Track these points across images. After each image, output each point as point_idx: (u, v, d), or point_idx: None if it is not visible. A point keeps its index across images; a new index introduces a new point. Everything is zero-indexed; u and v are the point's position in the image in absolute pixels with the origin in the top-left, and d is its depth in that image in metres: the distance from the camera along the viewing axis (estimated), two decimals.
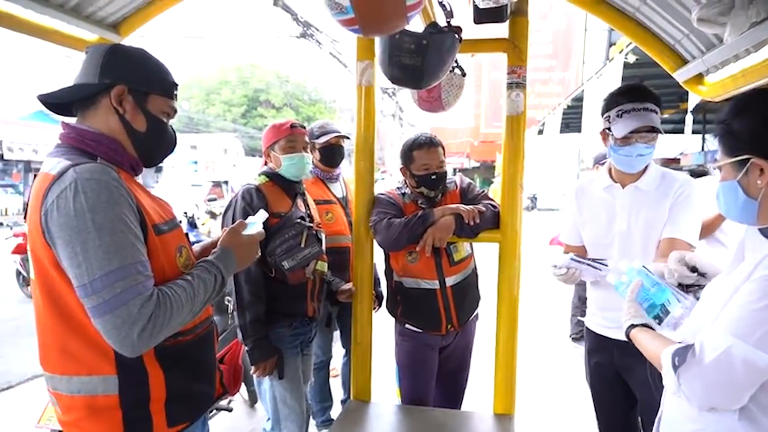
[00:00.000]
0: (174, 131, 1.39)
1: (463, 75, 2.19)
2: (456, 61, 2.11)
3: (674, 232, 1.86)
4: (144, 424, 1.21)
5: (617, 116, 1.88)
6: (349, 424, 2.16)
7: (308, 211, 2.35)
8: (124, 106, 1.25)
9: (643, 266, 1.46)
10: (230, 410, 3.10)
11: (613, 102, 1.91)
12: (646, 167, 1.95)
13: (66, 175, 1.11)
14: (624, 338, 1.56)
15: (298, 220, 2.18)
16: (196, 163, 16.99)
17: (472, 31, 2.15)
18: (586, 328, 2.18)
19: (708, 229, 2.88)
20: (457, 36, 1.66)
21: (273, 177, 2.29)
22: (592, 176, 2.25)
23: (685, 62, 2.41)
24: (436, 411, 2.36)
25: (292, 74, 36.57)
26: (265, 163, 2.35)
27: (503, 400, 2.27)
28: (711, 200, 1.32)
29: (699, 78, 2.40)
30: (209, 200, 9.86)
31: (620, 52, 8.65)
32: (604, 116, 1.95)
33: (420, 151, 2.28)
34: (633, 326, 1.37)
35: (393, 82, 1.72)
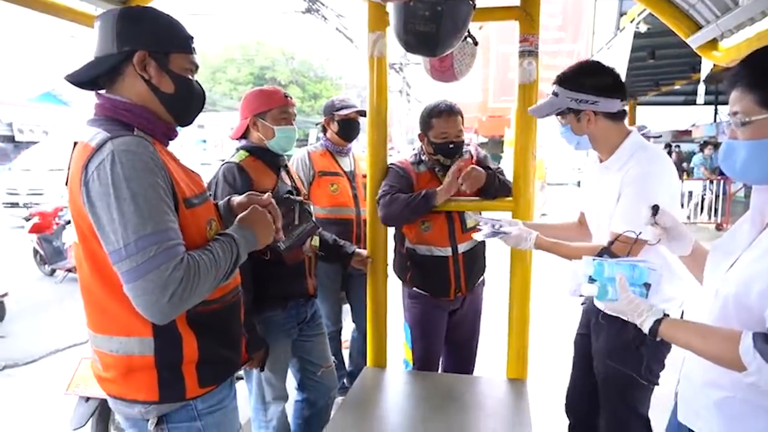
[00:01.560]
0: (201, 86, 1.40)
1: (475, 44, 2.19)
2: (468, 30, 2.11)
3: (613, 225, 1.74)
4: (177, 383, 1.27)
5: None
6: (367, 391, 2.22)
7: (294, 184, 2.25)
8: (148, 71, 1.26)
9: (598, 259, 1.35)
10: (241, 378, 3.16)
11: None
12: (622, 144, 1.82)
13: (105, 147, 1.14)
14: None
15: (287, 195, 2.05)
16: (204, 142, 16.98)
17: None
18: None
19: None
20: (471, 2, 1.66)
21: (255, 151, 2.14)
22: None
23: (699, 27, 2.39)
24: (450, 376, 2.41)
25: (298, 51, 36.23)
26: (243, 135, 2.18)
27: (516, 365, 2.32)
28: None
29: (713, 43, 2.38)
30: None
31: (631, 21, 8.50)
32: None
33: (439, 119, 2.29)
34: (658, 322, 1.23)
35: (408, 50, 1.73)
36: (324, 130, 3.07)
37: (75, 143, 1.24)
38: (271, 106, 2.11)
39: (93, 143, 1.17)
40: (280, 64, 34.10)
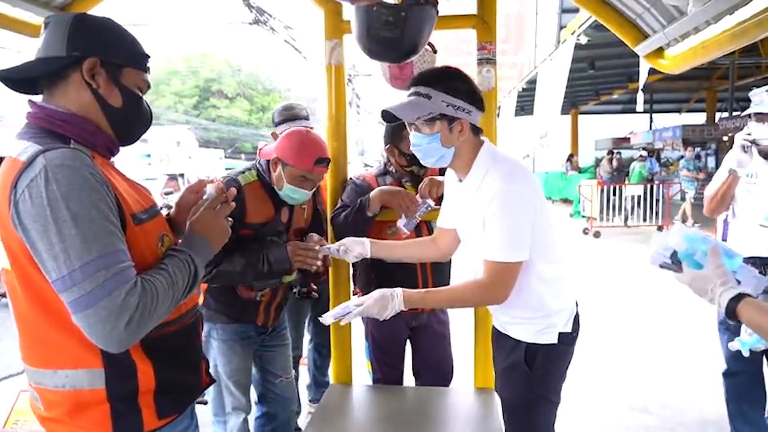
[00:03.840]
0: (149, 106, 1.31)
1: (435, 52, 2.18)
2: None
3: (489, 254, 1.57)
4: (133, 417, 1.16)
5: None
6: (333, 409, 2.15)
7: (290, 224, 2.16)
8: (97, 80, 1.16)
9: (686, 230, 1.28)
10: (206, 403, 3.03)
11: None
12: (476, 159, 1.64)
13: (36, 162, 1.02)
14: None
15: (271, 238, 2.03)
16: (149, 156, 16.43)
17: (440, 8, 2.14)
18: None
19: (723, 200, 2.49)
20: (435, 9, 1.64)
21: (264, 180, 2.06)
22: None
23: (645, 36, 2.47)
24: (417, 389, 2.38)
25: (245, 63, 35.79)
26: (267, 161, 2.09)
27: (484, 374, 2.30)
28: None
29: (659, 52, 2.47)
30: (166, 193, 9.57)
31: (572, 33, 8.84)
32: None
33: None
34: (740, 297, 1.11)
35: (371, 57, 1.69)
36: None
37: (1, 159, 1.12)
38: (295, 164, 1.96)
39: (23, 158, 1.04)
40: (227, 76, 33.57)
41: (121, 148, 1.28)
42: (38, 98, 1.19)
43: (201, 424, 2.94)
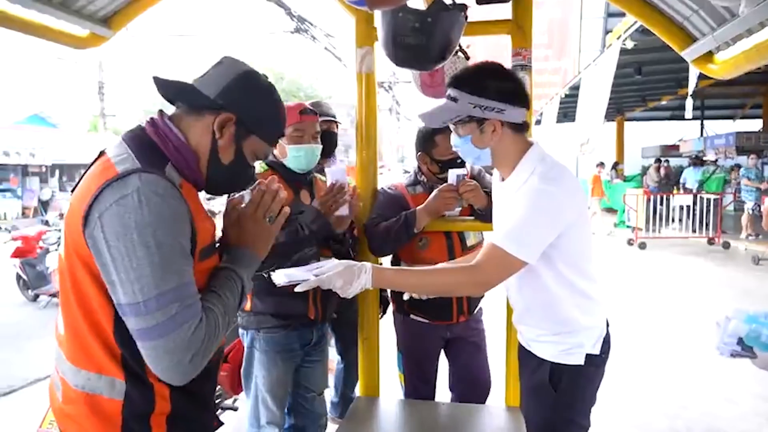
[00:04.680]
0: (254, 172, 1.32)
1: (467, 58, 2.12)
2: (459, 45, 2.05)
3: (493, 235, 1.50)
4: None
5: None
6: (359, 422, 2.10)
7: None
8: (223, 132, 1.18)
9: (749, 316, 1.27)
10: (236, 409, 3.04)
11: None
12: (522, 160, 1.57)
13: (130, 180, 1.03)
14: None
15: (295, 216, 1.98)
16: None
17: (474, 13, 2.09)
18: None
19: None
20: (463, 14, 1.58)
21: (276, 166, 2.10)
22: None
23: (693, 40, 2.35)
24: (446, 405, 2.30)
25: (287, 71, 36.43)
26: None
27: (514, 392, 2.20)
28: None
29: (708, 56, 2.34)
30: (208, 198, 9.77)
31: (617, 38, 8.58)
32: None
33: (443, 136, 2.18)
34: None
35: (397, 65, 1.65)
36: None
37: (101, 153, 1.15)
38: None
39: (118, 168, 1.06)
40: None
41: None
42: (170, 109, 1.23)
43: (232, 429, 2.96)
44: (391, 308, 2.55)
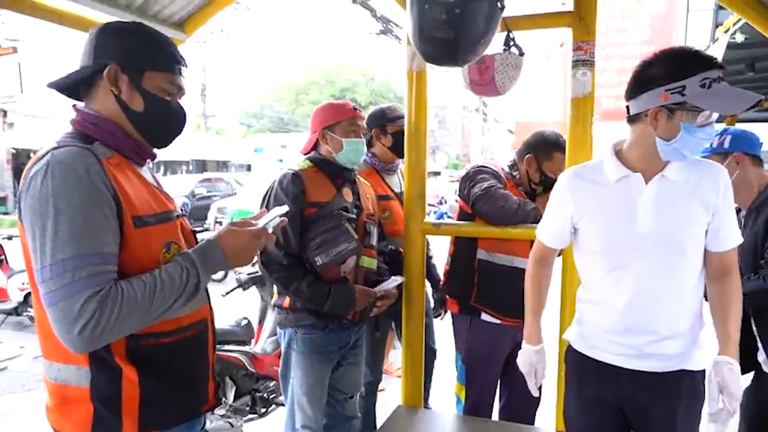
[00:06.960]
0: (182, 109, 1.30)
1: (521, 54, 1.97)
2: (513, 39, 1.92)
3: (725, 243, 1.45)
4: (113, 422, 1.14)
5: (702, 86, 1.35)
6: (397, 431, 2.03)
7: (356, 201, 2.14)
8: (119, 85, 1.20)
9: None
10: (283, 404, 3.05)
11: (687, 67, 1.36)
12: None
13: (44, 158, 1.08)
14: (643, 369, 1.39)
15: (339, 211, 1.99)
16: (281, 161, 17.66)
17: (534, 5, 1.95)
18: (574, 350, 1.65)
19: None
20: (498, 3, 1.45)
21: (318, 163, 2.11)
22: (587, 163, 1.66)
23: None
24: (491, 423, 2.18)
25: (378, 72, 37.01)
26: (313, 147, 2.16)
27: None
28: None
29: None
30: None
31: (726, 31, 7.83)
32: (668, 87, 1.36)
33: (563, 155, 2.10)
34: None
35: (427, 60, 1.55)
36: (369, 145, 2.64)
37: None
38: (339, 118, 2.09)
39: (40, 152, 1.11)
40: (360, 85, 34.93)
41: (156, 153, 1.30)
42: (81, 104, 1.25)
43: (277, 428, 2.91)
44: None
